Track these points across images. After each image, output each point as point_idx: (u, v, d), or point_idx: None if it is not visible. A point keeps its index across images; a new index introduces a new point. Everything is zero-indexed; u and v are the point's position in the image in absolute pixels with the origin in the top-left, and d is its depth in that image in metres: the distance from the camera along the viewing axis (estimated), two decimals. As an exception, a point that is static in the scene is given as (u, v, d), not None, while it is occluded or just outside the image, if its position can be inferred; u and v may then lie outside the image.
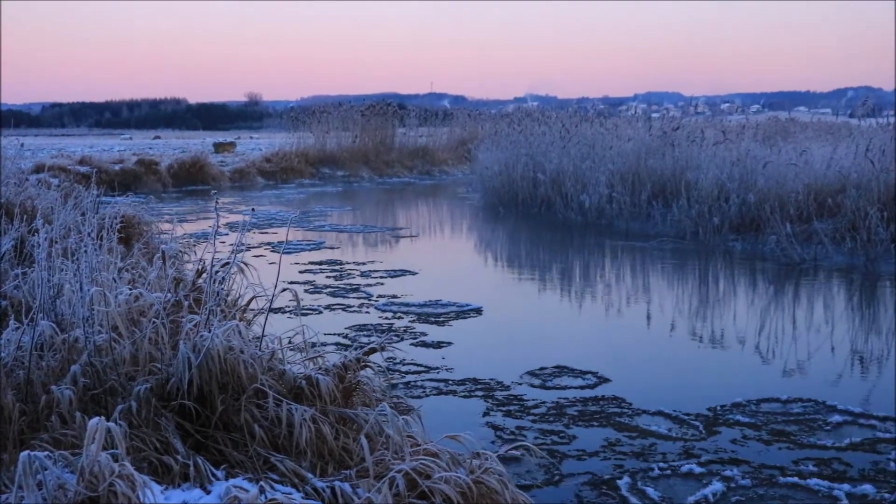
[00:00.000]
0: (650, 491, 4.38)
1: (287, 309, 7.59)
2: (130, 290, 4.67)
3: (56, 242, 5.07)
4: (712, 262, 12.17)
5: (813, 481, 4.44)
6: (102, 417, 3.12)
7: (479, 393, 6.19)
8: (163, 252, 5.76)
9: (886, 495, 4.24)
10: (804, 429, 5.37)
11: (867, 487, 4.35)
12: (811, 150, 14.60)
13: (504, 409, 5.84)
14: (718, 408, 5.74)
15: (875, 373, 6.89)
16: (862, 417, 5.53)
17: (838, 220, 12.36)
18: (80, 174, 19.41)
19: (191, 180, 25.75)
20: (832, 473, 4.60)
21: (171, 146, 42.73)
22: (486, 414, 5.75)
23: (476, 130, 32.35)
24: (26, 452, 3.00)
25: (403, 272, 11.24)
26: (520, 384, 6.39)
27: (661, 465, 4.74)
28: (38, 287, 4.47)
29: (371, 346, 4.66)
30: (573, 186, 17.02)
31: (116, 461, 3.07)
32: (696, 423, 5.47)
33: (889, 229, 11.63)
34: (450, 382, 6.44)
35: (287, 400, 3.99)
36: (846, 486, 4.35)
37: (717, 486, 4.40)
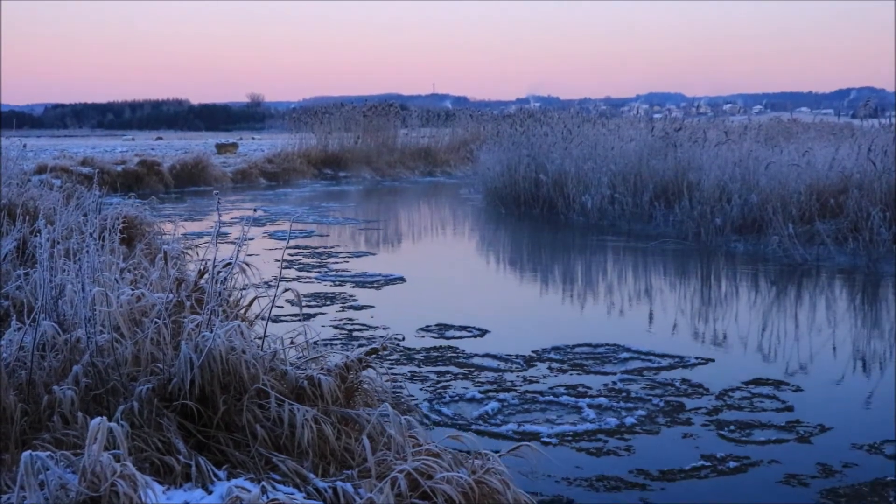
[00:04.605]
0: (444, 410, 5.79)
1: (280, 283, 8.16)
2: (132, 290, 4.67)
3: (58, 243, 5.07)
4: (708, 262, 12.17)
5: (564, 398, 6.01)
6: (104, 418, 3.12)
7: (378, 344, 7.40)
8: (165, 252, 5.76)
9: (614, 403, 5.89)
10: (597, 362, 6.93)
11: (602, 400, 5.99)
12: (813, 151, 14.58)
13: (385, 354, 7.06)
14: (541, 350, 7.24)
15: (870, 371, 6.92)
16: (643, 354, 7.11)
17: (840, 220, 12.35)
18: (82, 175, 19.44)
19: (193, 181, 25.74)
20: (576, 393, 6.16)
21: (173, 147, 42.72)
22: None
23: (478, 131, 32.35)
24: (28, 452, 3.00)
25: (365, 253, 13.02)
26: (420, 337, 7.78)
27: (452, 393, 6.14)
28: (40, 287, 4.47)
29: (373, 346, 4.66)
30: (575, 187, 17.01)
31: (118, 461, 3.06)
32: (518, 361, 6.95)
33: (891, 230, 11.61)
34: (354, 336, 7.74)
35: (289, 400, 3.99)
36: (587, 400, 5.97)
37: (493, 405, 5.85)
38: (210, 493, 3.43)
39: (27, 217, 7.33)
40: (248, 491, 3.33)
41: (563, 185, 17.29)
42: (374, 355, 4.59)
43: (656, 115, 25.19)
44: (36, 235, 4.83)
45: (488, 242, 15.42)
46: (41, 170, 19.96)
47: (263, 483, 3.44)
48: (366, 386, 4.50)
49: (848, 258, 11.64)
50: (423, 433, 4.12)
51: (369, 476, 3.62)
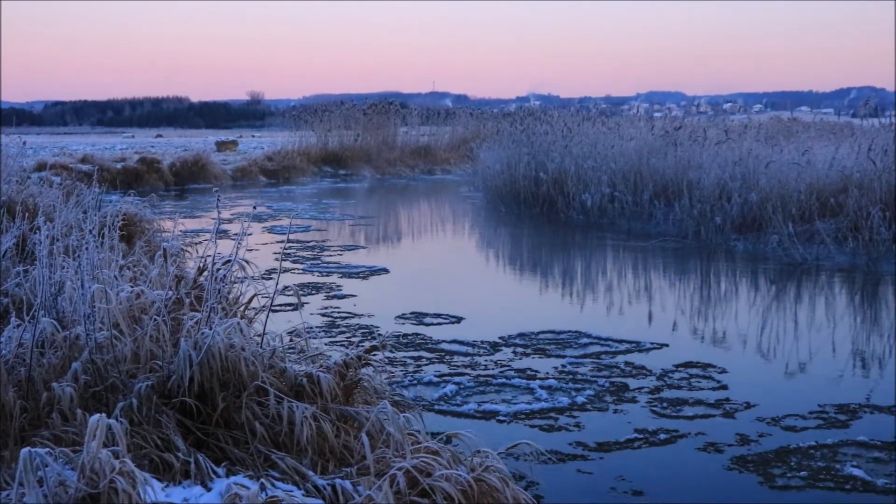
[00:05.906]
0: (405, 392, 5.97)
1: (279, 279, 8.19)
2: (132, 287, 4.66)
3: (57, 240, 5.06)
4: (707, 260, 12.17)
5: (516, 380, 6.43)
6: (103, 414, 3.12)
7: (361, 332, 7.84)
8: (164, 250, 5.76)
9: (564, 384, 6.29)
10: (558, 347, 7.34)
11: (552, 381, 6.37)
12: (813, 150, 14.57)
13: (356, 339, 7.52)
14: (507, 336, 7.64)
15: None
16: (602, 340, 7.53)
17: (840, 219, 12.34)
18: (81, 172, 19.42)
19: (193, 179, 25.71)
20: (527, 375, 6.57)
21: (173, 145, 42.68)
22: (345, 342, 7.31)
23: (478, 129, 32.31)
24: (27, 449, 3.00)
25: (357, 247, 13.47)
26: (400, 324, 8.18)
27: (409, 377, 6.50)
28: (39, 284, 4.47)
29: (372, 344, 4.66)
30: (575, 186, 16.99)
31: (117, 458, 3.06)
32: (485, 346, 7.35)
33: (891, 229, 11.61)
34: (337, 325, 8.11)
35: (288, 397, 3.99)
36: (538, 382, 6.37)
37: (450, 387, 6.24)
38: (209, 490, 3.43)
39: (27, 214, 7.31)
40: (247, 488, 3.33)
41: (563, 183, 17.27)
42: (373, 353, 4.59)
43: (656, 114, 25.21)
44: (35, 232, 4.82)
45: (484, 239, 15.52)
46: (41, 167, 19.93)
47: (262, 480, 3.44)
48: (365, 383, 4.50)
49: (848, 257, 11.64)
50: (423, 430, 4.12)
51: (368, 473, 3.62)
